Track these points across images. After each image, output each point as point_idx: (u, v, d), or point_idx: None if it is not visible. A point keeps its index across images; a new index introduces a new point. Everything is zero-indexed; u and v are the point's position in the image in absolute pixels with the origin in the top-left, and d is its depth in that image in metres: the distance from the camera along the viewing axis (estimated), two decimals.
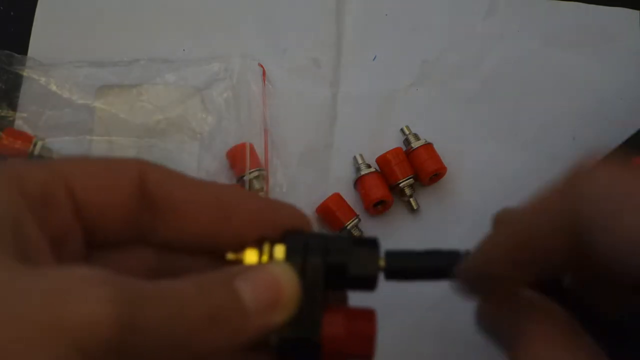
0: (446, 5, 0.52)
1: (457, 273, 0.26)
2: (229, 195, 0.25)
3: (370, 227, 0.46)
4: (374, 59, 0.51)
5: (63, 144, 0.47)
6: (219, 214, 0.25)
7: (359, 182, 0.46)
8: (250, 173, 0.45)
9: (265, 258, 0.24)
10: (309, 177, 0.48)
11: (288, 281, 0.23)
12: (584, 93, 0.50)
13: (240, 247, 0.25)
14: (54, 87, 0.48)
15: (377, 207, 0.46)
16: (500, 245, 0.25)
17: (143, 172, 0.24)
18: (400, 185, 0.46)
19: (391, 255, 0.26)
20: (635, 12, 0.52)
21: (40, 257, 0.22)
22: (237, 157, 0.46)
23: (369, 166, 0.46)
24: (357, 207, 0.46)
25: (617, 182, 0.22)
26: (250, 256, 0.24)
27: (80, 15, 0.51)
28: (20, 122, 0.47)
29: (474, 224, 0.47)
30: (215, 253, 0.25)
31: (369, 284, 0.25)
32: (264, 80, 0.49)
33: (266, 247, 0.24)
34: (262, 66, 0.50)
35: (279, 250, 0.24)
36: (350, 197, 0.46)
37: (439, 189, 0.48)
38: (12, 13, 0.52)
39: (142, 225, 0.25)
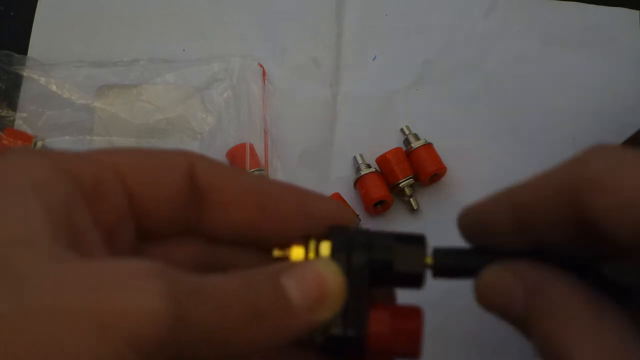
0: (446, 5, 0.52)
1: (459, 219, 0.26)
2: (273, 187, 0.25)
3: (370, 227, 0.46)
4: (374, 59, 0.51)
5: (63, 144, 0.47)
6: (261, 206, 0.25)
7: (359, 182, 0.46)
8: (250, 173, 0.46)
9: (311, 255, 0.24)
10: (309, 177, 0.48)
11: (334, 278, 0.23)
12: (584, 93, 0.50)
13: (286, 243, 0.24)
14: (54, 87, 0.48)
15: (377, 207, 0.46)
16: (500, 200, 0.25)
17: (191, 163, 0.24)
18: (400, 185, 0.46)
19: (439, 252, 0.25)
20: (635, 12, 0.52)
21: (93, 247, 0.21)
22: (237, 157, 0.46)
23: (369, 166, 0.46)
24: (357, 207, 0.46)
25: (616, 152, 0.22)
26: (297, 253, 0.24)
27: (80, 15, 0.51)
28: (20, 122, 0.47)
29: None
30: (261, 247, 0.25)
31: (415, 281, 0.25)
32: (264, 80, 0.49)
33: (312, 244, 0.24)
34: (262, 66, 0.50)
35: (325, 247, 0.24)
36: (350, 197, 0.46)
37: (439, 189, 0.48)
38: (12, 13, 0.52)
39: (189, 217, 0.25)
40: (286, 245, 0.24)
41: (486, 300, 0.25)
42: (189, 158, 0.24)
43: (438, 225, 0.47)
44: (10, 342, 0.17)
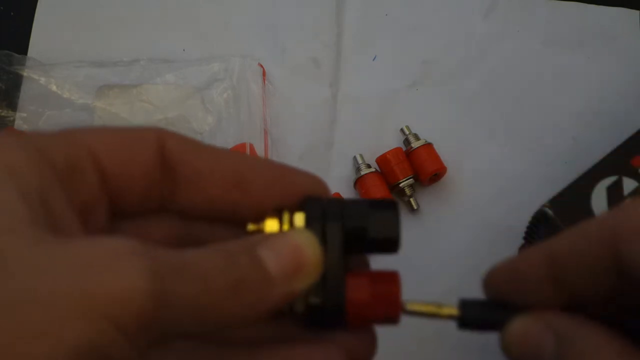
0: (446, 5, 0.52)
1: (485, 281, 0.26)
2: (246, 162, 0.25)
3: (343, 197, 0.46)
4: (374, 59, 0.51)
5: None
6: (236, 180, 0.25)
7: (359, 182, 0.46)
8: None
9: (286, 226, 0.24)
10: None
11: (310, 247, 0.23)
12: (584, 93, 0.50)
13: (260, 217, 0.24)
14: (54, 87, 0.48)
15: None
16: (533, 257, 0.24)
17: (162, 139, 0.24)
18: (400, 185, 0.46)
19: (467, 304, 0.25)
20: (635, 12, 0.52)
21: (70, 228, 0.21)
22: None
23: (369, 166, 0.46)
24: None
25: None
26: (271, 225, 0.24)
27: (80, 15, 0.51)
28: (20, 122, 0.47)
29: (474, 224, 0.47)
30: (235, 221, 0.25)
31: (390, 247, 0.25)
32: (264, 80, 0.49)
33: (286, 216, 0.24)
34: (262, 66, 0.50)
35: (299, 218, 0.24)
36: (350, 197, 0.46)
37: (439, 189, 0.48)
38: (12, 13, 0.52)
39: (162, 193, 0.25)
40: (260, 218, 0.24)
41: (515, 351, 0.24)
42: (159, 134, 0.24)
43: (438, 225, 0.48)
44: None
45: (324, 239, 0.24)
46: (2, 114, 0.47)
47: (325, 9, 0.52)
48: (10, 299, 0.18)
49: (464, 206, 0.47)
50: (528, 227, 0.42)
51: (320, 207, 0.24)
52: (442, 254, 0.46)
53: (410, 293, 0.46)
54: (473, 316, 0.25)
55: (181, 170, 0.24)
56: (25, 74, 0.48)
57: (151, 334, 0.19)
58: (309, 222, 0.24)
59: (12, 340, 0.17)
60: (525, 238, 0.43)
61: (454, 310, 0.25)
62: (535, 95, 0.50)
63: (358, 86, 0.50)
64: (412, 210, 0.47)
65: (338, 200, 0.25)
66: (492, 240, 0.46)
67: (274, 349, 0.24)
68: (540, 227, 0.40)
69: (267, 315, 0.22)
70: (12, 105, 0.48)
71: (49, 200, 0.21)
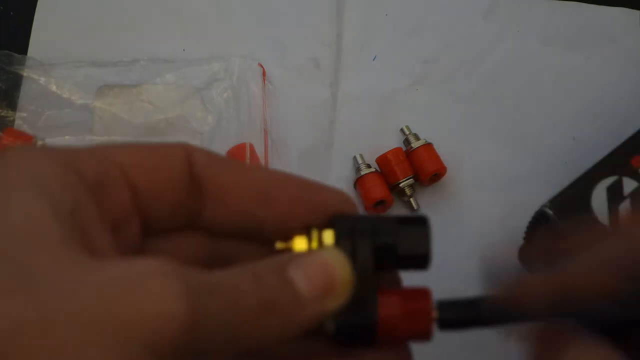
0: (446, 5, 0.52)
1: (488, 302, 0.25)
2: (272, 178, 0.25)
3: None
4: (374, 59, 0.51)
5: (63, 144, 0.47)
6: (262, 196, 0.24)
7: (359, 182, 0.46)
8: None
9: (315, 245, 0.24)
10: (309, 177, 0.47)
11: (340, 266, 0.23)
12: (584, 93, 0.50)
13: (288, 235, 0.24)
14: (53, 87, 0.48)
15: (377, 207, 0.46)
16: (537, 288, 0.25)
17: (189, 155, 0.24)
18: (400, 185, 0.46)
19: (445, 305, 0.25)
20: (635, 12, 0.52)
21: (102, 246, 0.21)
22: (237, 157, 0.46)
23: (369, 166, 0.46)
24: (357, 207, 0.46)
25: None
26: (300, 243, 0.24)
27: (80, 15, 0.51)
28: (20, 122, 0.47)
29: (474, 224, 0.47)
30: (262, 239, 0.25)
31: (421, 263, 0.25)
32: (264, 80, 0.49)
33: (315, 234, 0.24)
34: (262, 66, 0.50)
35: (328, 236, 0.24)
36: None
37: (439, 189, 0.48)
38: (12, 13, 0.52)
39: (190, 210, 0.24)
40: (288, 236, 0.24)
41: None
42: (187, 150, 0.24)
43: (438, 225, 0.47)
44: (30, 351, 0.17)
45: (354, 257, 0.24)
46: (2, 114, 0.47)
47: (325, 8, 0.52)
48: (43, 318, 0.17)
49: (464, 206, 0.47)
50: (528, 227, 0.42)
51: (349, 224, 0.24)
52: (442, 254, 0.46)
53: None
54: (450, 318, 0.25)
55: (207, 186, 0.24)
56: (25, 74, 0.48)
57: (183, 355, 0.19)
58: (338, 240, 0.24)
59: (44, 359, 0.17)
60: (525, 238, 0.43)
61: (433, 313, 0.25)
62: (535, 95, 0.50)
63: (358, 86, 0.50)
64: (412, 210, 0.47)
65: (367, 217, 0.25)
66: (492, 240, 0.46)
67: None
68: (540, 227, 0.40)
69: (297, 335, 0.22)
70: (12, 105, 0.48)
71: (81, 217, 0.21)
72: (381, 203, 0.46)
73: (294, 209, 0.24)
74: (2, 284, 0.18)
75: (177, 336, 0.18)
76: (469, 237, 0.47)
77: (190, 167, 0.24)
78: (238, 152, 0.46)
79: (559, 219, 0.38)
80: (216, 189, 0.24)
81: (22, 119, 0.47)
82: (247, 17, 0.52)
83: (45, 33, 0.51)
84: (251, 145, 0.46)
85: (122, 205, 0.23)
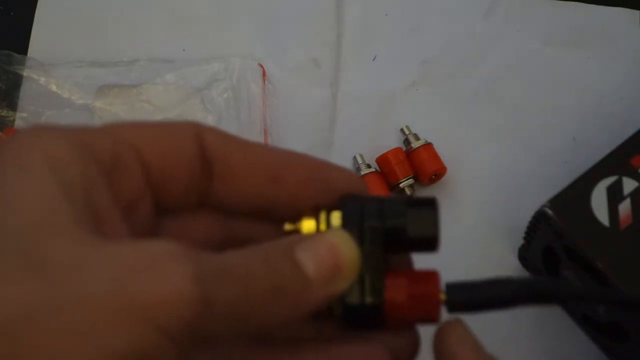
0: (446, 5, 0.52)
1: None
2: (281, 157, 0.25)
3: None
4: (374, 59, 0.51)
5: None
6: (271, 175, 0.24)
7: None
8: None
9: (322, 226, 0.24)
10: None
11: (347, 248, 0.23)
12: (584, 93, 0.50)
13: (297, 215, 0.24)
14: (53, 87, 0.48)
15: None
16: None
17: (200, 133, 0.24)
18: (400, 185, 0.46)
19: (453, 287, 0.25)
20: (635, 12, 0.52)
21: (114, 227, 0.21)
22: None
23: (369, 166, 0.46)
24: None
25: None
26: (308, 225, 0.24)
27: (80, 15, 0.51)
28: (20, 122, 0.47)
29: (474, 224, 0.47)
30: (273, 218, 0.25)
31: (429, 245, 0.25)
32: (264, 80, 0.49)
33: (323, 215, 0.24)
34: (262, 66, 0.50)
35: (336, 217, 0.24)
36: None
37: (439, 189, 0.48)
38: (12, 13, 0.52)
39: (201, 189, 0.24)
40: (297, 217, 0.24)
41: None
42: (197, 127, 0.24)
43: None
44: (42, 335, 0.17)
45: (362, 239, 0.23)
46: (2, 114, 0.47)
47: (325, 8, 0.52)
48: (54, 301, 0.18)
49: (464, 206, 0.47)
50: (528, 227, 0.42)
51: (357, 205, 0.24)
52: (442, 254, 0.46)
53: None
54: (458, 299, 0.25)
55: (218, 164, 0.24)
56: (25, 74, 0.48)
57: (195, 337, 0.19)
58: (346, 222, 0.24)
59: (57, 341, 0.17)
60: (525, 238, 0.43)
61: (442, 295, 0.25)
62: (535, 95, 0.50)
63: (358, 86, 0.50)
64: None
65: (376, 198, 0.25)
66: (492, 240, 0.46)
67: (317, 348, 0.24)
68: (540, 227, 0.40)
69: (306, 317, 0.22)
70: (12, 105, 0.48)
71: (93, 197, 0.20)
72: None
73: (302, 189, 0.24)
74: (14, 267, 0.18)
75: (189, 318, 0.18)
76: (469, 237, 0.47)
77: (201, 146, 0.24)
78: None
79: (559, 219, 0.38)
80: (226, 167, 0.24)
81: (22, 119, 0.47)
82: (247, 17, 0.52)
83: (45, 33, 0.51)
84: None
85: (135, 185, 0.23)
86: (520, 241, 0.44)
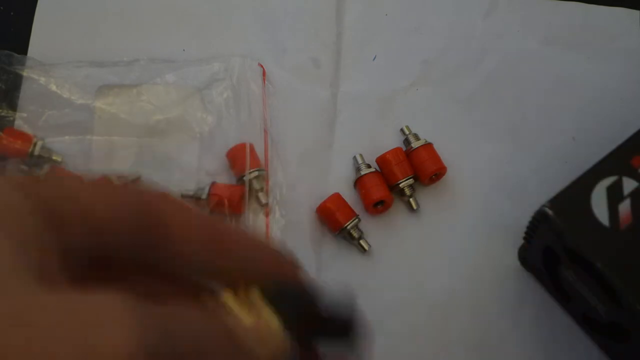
0: (446, 5, 0.52)
1: None
2: (224, 232, 0.26)
3: (370, 227, 0.46)
4: (374, 59, 0.51)
5: (63, 144, 0.47)
6: (212, 247, 0.25)
7: (359, 182, 0.46)
8: (250, 173, 0.46)
9: (253, 304, 0.25)
10: (309, 177, 0.48)
11: (273, 331, 0.24)
12: (584, 93, 0.50)
13: (229, 286, 0.25)
14: (53, 87, 0.48)
15: (377, 207, 0.46)
16: None
17: (147, 201, 0.25)
18: (400, 185, 0.46)
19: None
20: (635, 12, 0.52)
21: (57, 278, 0.21)
22: (237, 157, 0.46)
23: (369, 166, 0.46)
24: (357, 207, 0.46)
25: None
26: (229, 299, 0.25)
27: (80, 15, 0.51)
28: (20, 122, 0.47)
29: (474, 224, 0.47)
30: (206, 280, 0.26)
31: (345, 343, 0.26)
32: (264, 80, 0.49)
33: (254, 294, 0.25)
34: (262, 66, 0.50)
35: (258, 298, 0.25)
36: (350, 197, 0.46)
37: (439, 189, 0.48)
38: (12, 13, 0.52)
39: (143, 246, 0.25)
40: (228, 288, 0.25)
41: None
42: (146, 197, 0.25)
43: (438, 225, 0.48)
44: None
45: (287, 324, 0.24)
46: (2, 114, 0.47)
47: (325, 8, 0.52)
48: None
49: (464, 206, 0.47)
50: (528, 227, 0.42)
51: (284, 292, 0.25)
52: (442, 254, 0.46)
53: (411, 292, 0.47)
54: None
55: (159, 228, 0.25)
56: (25, 74, 0.48)
57: None
58: (270, 304, 0.24)
59: None
60: (525, 238, 0.43)
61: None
62: (535, 95, 0.50)
63: (358, 86, 0.50)
64: (412, 210, 0.47)
65: (298, 287, 0.26)
66: (492, 240, 0.46)
67: None
68: (540, 227, 0.40)
69: None
70: (12, 105, 0.48)
71: (38, 247, 0.21)
72: (381, 203, 0.46)
73: (241, 265, 0.26)
74: None
75: None
76: (469, 237, 0.47)
77: (144, 207, 0.24)
78: (238, 152, 0.46)
79: (559, 219, 0.38)
80: (167, 234, 0.25)
81: (22, 119, 0.47)
82: (247, 17, 0.52)
83: (45, 33, 0.51)
84: (251, 145, 0.46)
85: (76, 237, 0.23)
86: (520, 241, 0.44)
